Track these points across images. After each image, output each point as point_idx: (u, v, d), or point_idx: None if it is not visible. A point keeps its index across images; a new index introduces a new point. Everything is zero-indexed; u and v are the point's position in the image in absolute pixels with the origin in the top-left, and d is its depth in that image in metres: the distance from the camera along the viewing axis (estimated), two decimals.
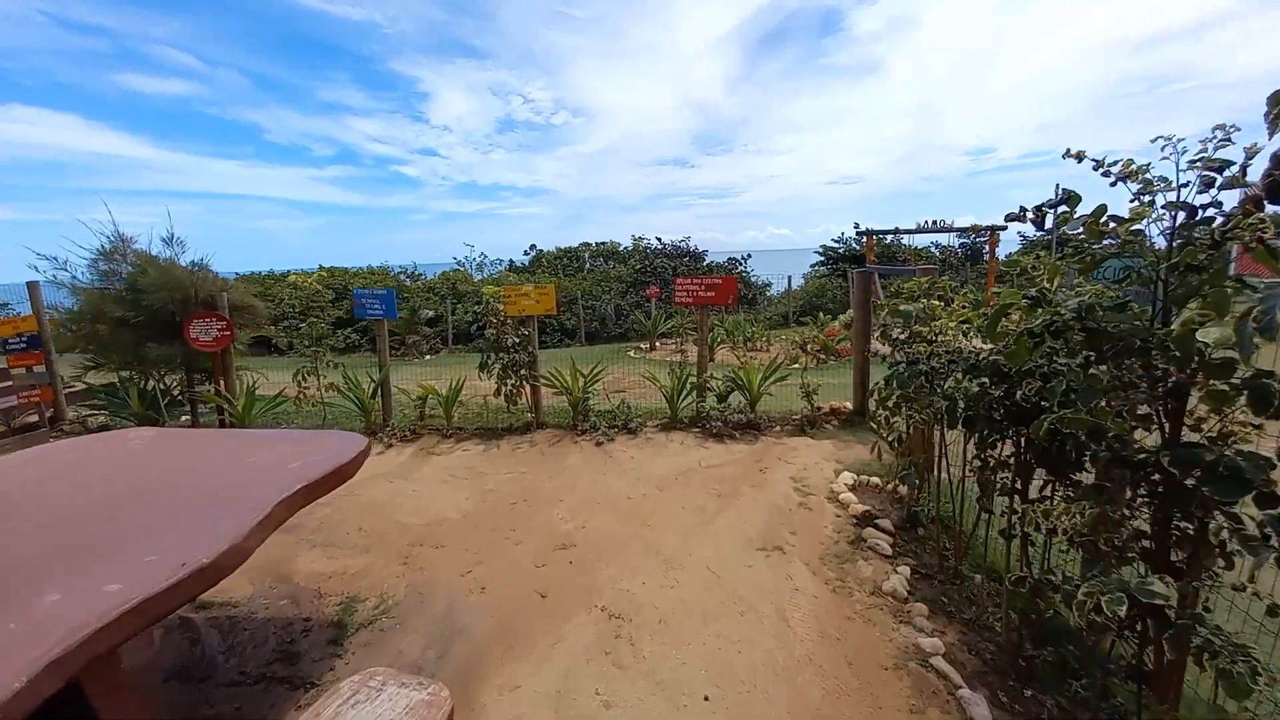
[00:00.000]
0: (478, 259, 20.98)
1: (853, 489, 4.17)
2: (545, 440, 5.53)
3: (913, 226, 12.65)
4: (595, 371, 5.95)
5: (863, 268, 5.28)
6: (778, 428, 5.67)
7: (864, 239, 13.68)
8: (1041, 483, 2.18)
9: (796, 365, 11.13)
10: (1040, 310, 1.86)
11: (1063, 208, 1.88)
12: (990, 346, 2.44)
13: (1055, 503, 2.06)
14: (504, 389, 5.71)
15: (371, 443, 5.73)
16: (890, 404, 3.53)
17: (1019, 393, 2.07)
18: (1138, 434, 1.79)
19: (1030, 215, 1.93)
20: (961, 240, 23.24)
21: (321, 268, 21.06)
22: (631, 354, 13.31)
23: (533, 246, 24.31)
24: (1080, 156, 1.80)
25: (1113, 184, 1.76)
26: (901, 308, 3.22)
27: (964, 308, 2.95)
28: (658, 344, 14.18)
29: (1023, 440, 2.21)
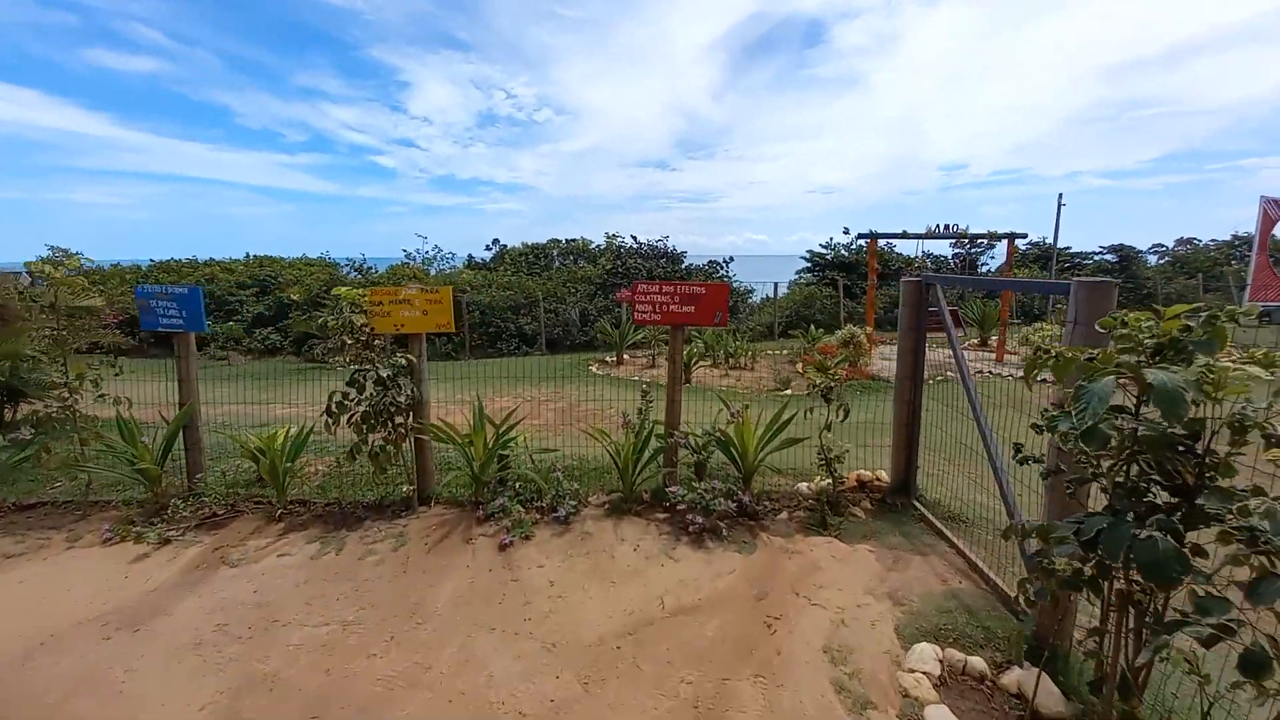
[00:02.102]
0: (430, 252, 18.68)
1: (941, 686, 2.26)
2: (424, 532, 3.50)
3: (921, 231, 10.99)
4: (505, 431, 3.90)
5: (920, 275, 3.34)
6: (783, 514, 3.75)
7: (865, 244, 11.97)
8: None
9: (787, 392, 9.32)
10: None
11: None
12: None
13: None
14: (367, 447, 3.66)
15: (140, 532, 3.47)
16: (1063, 569, 1.65)
17: None
18: None
19: None
20: (956, 250, 21.91)
21: (249, 256, 18.51)
22: (594, 369, 11.32)
23: (495, 241, 22.10)
24: None
25: None
26: (1154, 378, 1.31)
27: None
28: (626, 356, 12.23)
29: None
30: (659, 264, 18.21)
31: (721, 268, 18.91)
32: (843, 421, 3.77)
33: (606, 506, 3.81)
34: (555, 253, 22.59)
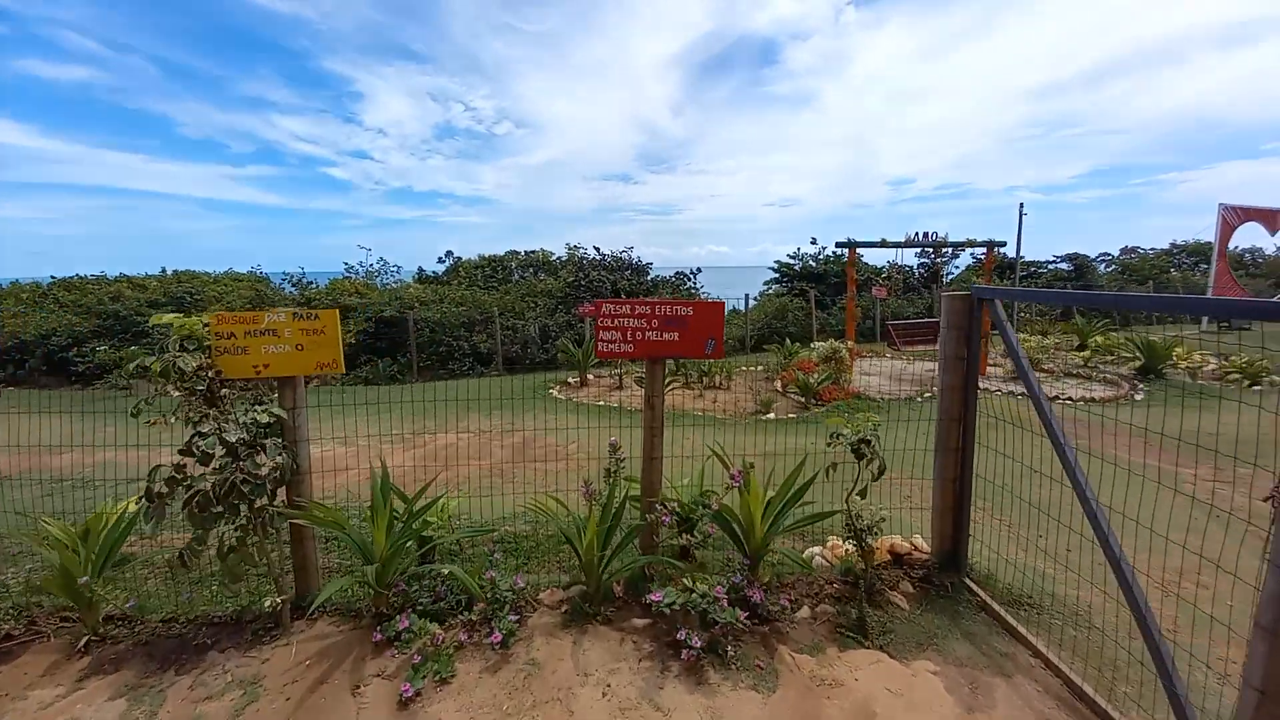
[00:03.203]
0: (374, 265, 17.19)
1: None
2: (290, 674, 2.36)
3: (900, 240, 10.43)
4: (418, 511, 2.78)
5: (975, 289, 2.38)
6: (804, 610, 2.78)
7: (835, 253, 11.32)
8: None
9: (770, 415, 8.46)
10: None
11: None
12: None
13: None
14: (205, 547, 2.51)
15: None
16: None
17: None
18: None
19: None
20: (921, 260, 21.84)
21: (164, 270, 16.62)
22: (555, 392, 10.22)
23: (449, 253, 20.75)
24: None
25: None
26: None
27: None
28: (590, 376, 11.18)
29: None
30: (623, 276, 17.29)
31: (689, 279, 18.13)
32: (875, 480, 2.84)
33: (564, 610, 2.75)
34: (514, 265, 21.42)
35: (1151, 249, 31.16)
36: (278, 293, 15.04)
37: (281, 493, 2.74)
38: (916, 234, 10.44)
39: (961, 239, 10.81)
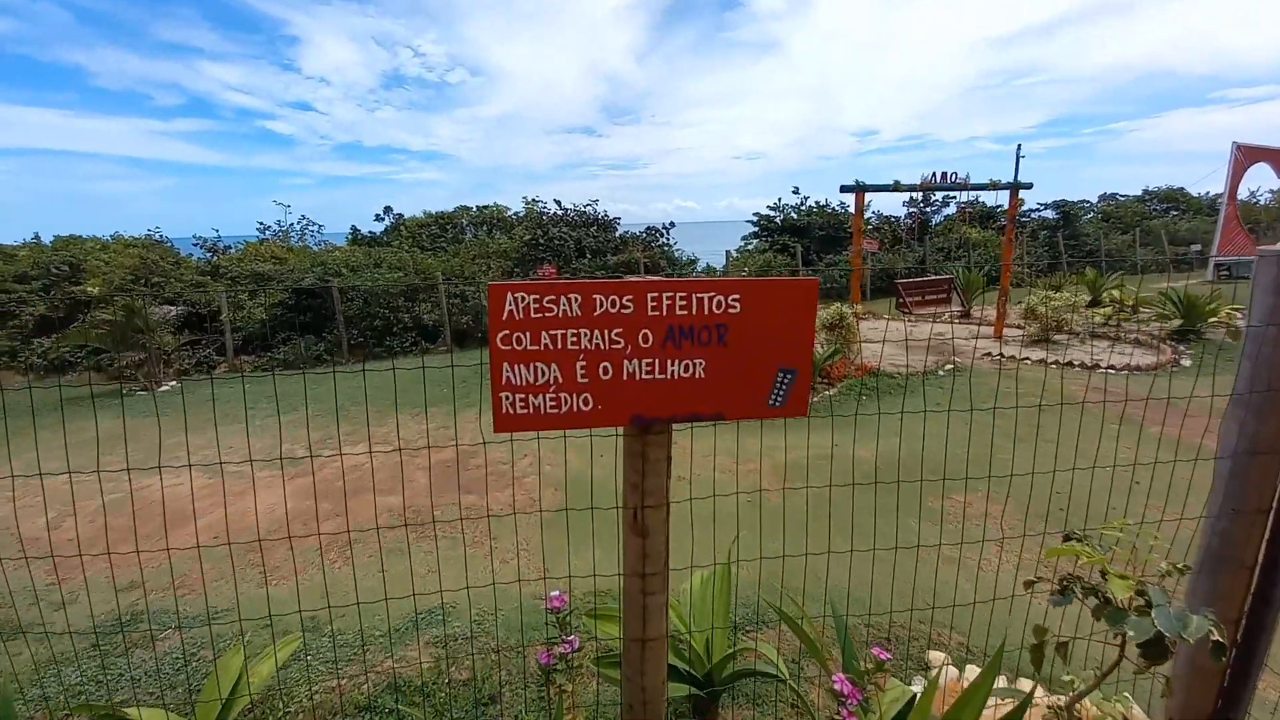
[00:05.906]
0: (295, 225, 14.71)
1: None
2: None
3: (916, 182, 8.83)
4: None
5: None
6: None
7: (831, 202, 9.66)
8: None
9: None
10: None
11: None
12: None
13: None
14: None
15: None
16: None
17: None
18: None
19: None
20: (909, 209, 20.41)
21: (37, 237, 13.85)
22: None
23: (388, 210, 18.24)
24: None
25: None
26: None
27: None
28: None
29: None
30: (588, 233, 15.31)
31: (663, 235, 16.26)
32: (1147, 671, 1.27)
33: None
34: (465, 223, 19.09)
35: (1130, 196, 30.64)
36: (177, 260, 12.56)
37: None
38: (934, 175, 8.84)
39: (984, 180, 9.24)
